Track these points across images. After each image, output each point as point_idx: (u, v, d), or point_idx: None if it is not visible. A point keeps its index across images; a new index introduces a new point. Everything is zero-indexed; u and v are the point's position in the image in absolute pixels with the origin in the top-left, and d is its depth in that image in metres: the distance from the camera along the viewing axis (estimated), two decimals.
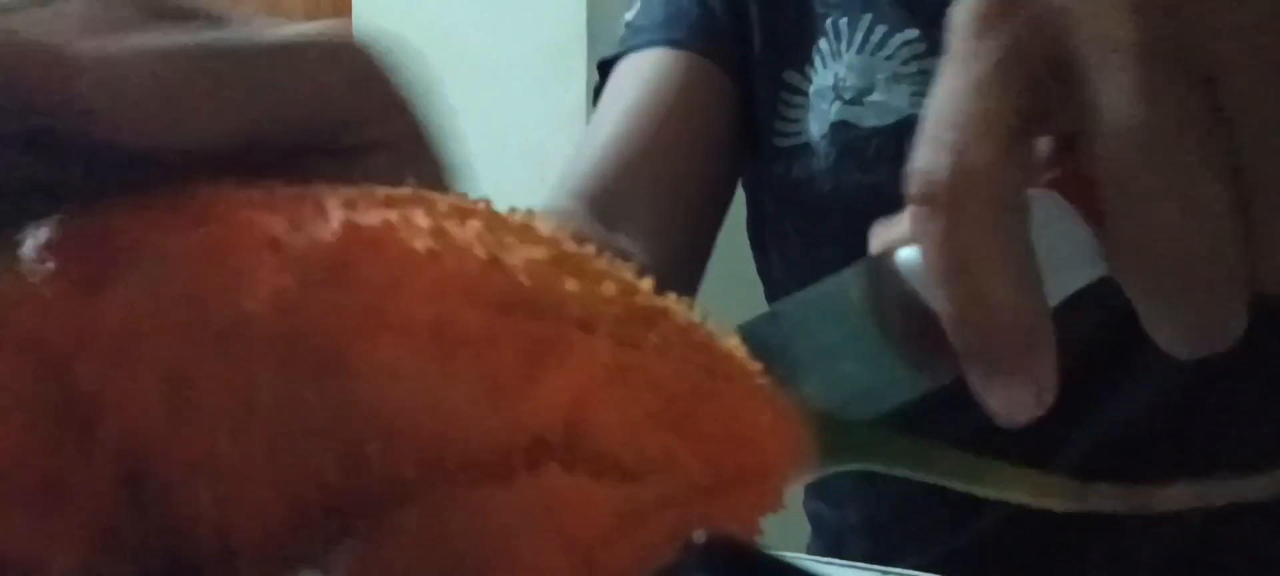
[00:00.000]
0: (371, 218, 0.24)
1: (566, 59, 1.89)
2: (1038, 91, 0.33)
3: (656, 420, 0.25)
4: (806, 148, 0.77)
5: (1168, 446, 0.69)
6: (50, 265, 0.24)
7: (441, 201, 0.26)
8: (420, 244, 0.24)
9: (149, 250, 0.24)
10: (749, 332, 0.29)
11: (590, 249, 0.26)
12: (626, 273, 0.27)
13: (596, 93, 0.84)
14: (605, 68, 0.83)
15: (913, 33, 0.74)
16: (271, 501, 0.23)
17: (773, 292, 0.82)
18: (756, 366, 0.27)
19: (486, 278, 0.24)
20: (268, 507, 0.23)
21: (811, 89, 0.77)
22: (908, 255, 0.34)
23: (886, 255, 0.35)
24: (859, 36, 0.76)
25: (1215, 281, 0.31)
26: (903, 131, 0.73)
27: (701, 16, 0.79)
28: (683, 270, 0.78)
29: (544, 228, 0.26)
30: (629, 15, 0.83)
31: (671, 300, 0.27)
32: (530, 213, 0.27)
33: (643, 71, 0.79)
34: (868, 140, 0.74)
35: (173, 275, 0.24)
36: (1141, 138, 0.31)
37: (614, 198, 0.75)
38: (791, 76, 0.78)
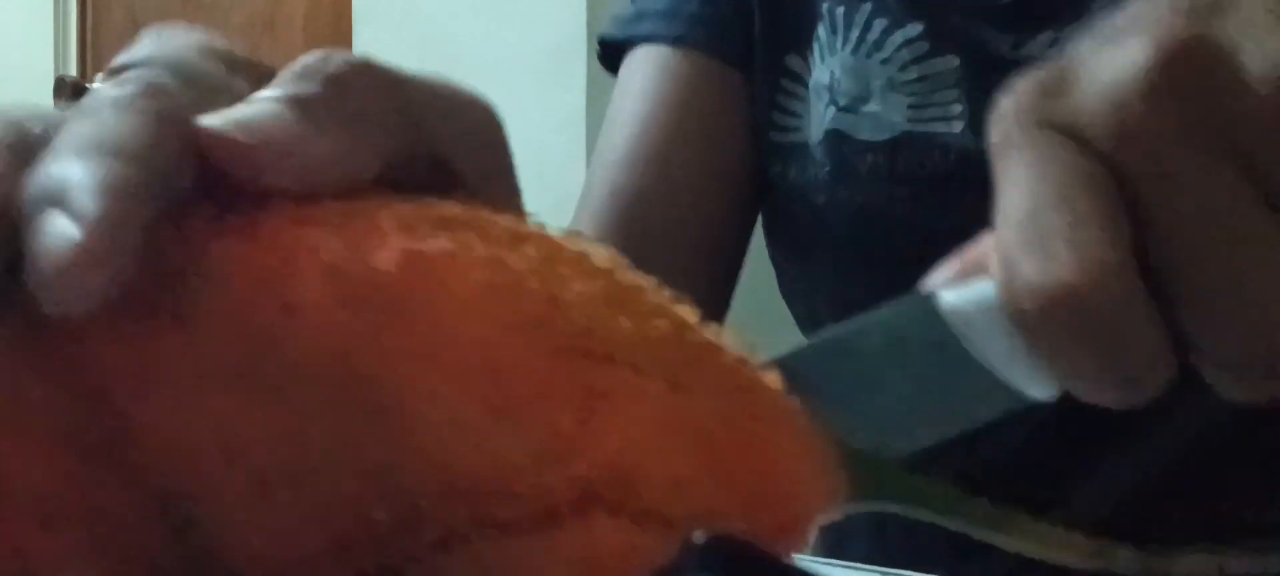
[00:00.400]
0: (430, 244, 0.24)
1: (566, 59, 1.89)
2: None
3: (703, 473, 0.24)
4: (804, 148, 0.72)
5: (1186, 498, 0.67)
6: None
7: (496, 225, 0.25)
8: (478, 276, 0.24)
9: (204, 275, 0.23)
10: (790, 363, 0.29)
11: (642, 281, 0.26)
12: (677, 306, 0.26)
13: (604, 59, 0.80)
14: (609, 48, 0.79)
15: (915, 28, 0.69)
16: (319, 543, 0.23)
17: (782, 282, 0.79)
18: (795, 405, 0.26)
19: (544, 318, 0.24)
20: (314, 549, 0.23)
21: (810, 81, 0.72)
22: (955, 301, 0.34)
23: (931, 296, 0.34)
24: (855, 33, 0.71)
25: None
26: (897, 150, 0.68)
27: (706, 3, 0.75)
28: (712, 288, 0.76)
29: (598, 257, 0.26)
30: None
31: (718, 333, 0.26)
32: (581, 237, 0.26)
33: (650, 82, 0.75)
34: (862, 155, 0.69)
35: (228, 307, 0.23)
36: (1210, 234, 0.32)
37: (634, 226, 0.72)
38: (793, 61, 0.73)
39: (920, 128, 0.68)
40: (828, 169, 0.70)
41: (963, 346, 0.33)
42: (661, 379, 0.24)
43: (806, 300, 0.76)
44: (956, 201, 0.63)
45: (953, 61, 0.68)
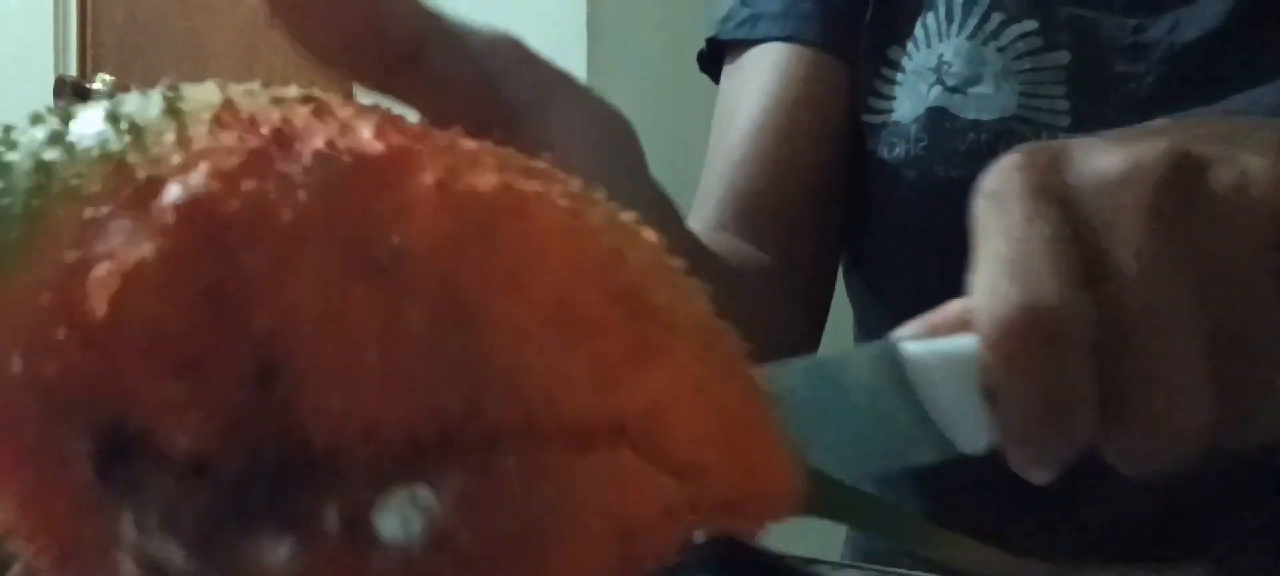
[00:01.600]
0: (521, 183, 0.27)
1: (566, 59, 1.89)
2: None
3: (716, 436, 0.28)
4: (894, 126, 0.74)
5: (1162, 533, 0.68)
6: (226, 134, 0.26)
7: (572, 183, 0.28)
8: (558, 218, 0.27)
9: (333, 162, 0.26)
10: (780, 375, 0.32)
11: (680, 264, 0.29)
12: (700, 293, 0.29)
13: (704, 63, 0.82)
14: (717, 48, 0.82)
15: (1031, 24, 0.71)
16: (393, 422, 0.25)
17: (852, 262, 0.80)
18: (774, 406, 0.29)
19: (609, 267, 0.27)
20: (388, 427, 0.25)
21: (909, 66, 0.74)
22: (916, 351, 0.38)
23: (897, 344, 0.39)
24: (972, 21, 0.73)
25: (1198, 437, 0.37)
26: (1004, 131, 0.70)
27: (819, 0, 0.77)
28: (822, 274, 0.78)
29: (648, 233, 0.29)
30: None
31: (726, 325, 0.30)
32: (638, 218, 0.29)
33: (767, 79, 0.77)
34: (964, 133, 0.71)
35: (346, 188, 0.26)
36: (1157, 337, 0.37)
37: (753, 224, 0.74)
38: (893, 52, 0.76)
39: (1029, 114, 0.70)
40: (924, 144, 0.72)
41: (914, 392, 0.38)
42: (694, 347, 0.28)
43: (874, 280, 0.79)
44: None
45: (1063, 57, 0.70)
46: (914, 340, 0.39)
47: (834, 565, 0.67)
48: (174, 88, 0.28)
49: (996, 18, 0.72)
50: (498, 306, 0.26)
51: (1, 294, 0.26)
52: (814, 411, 0.37)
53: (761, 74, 0.78)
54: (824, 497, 0.32)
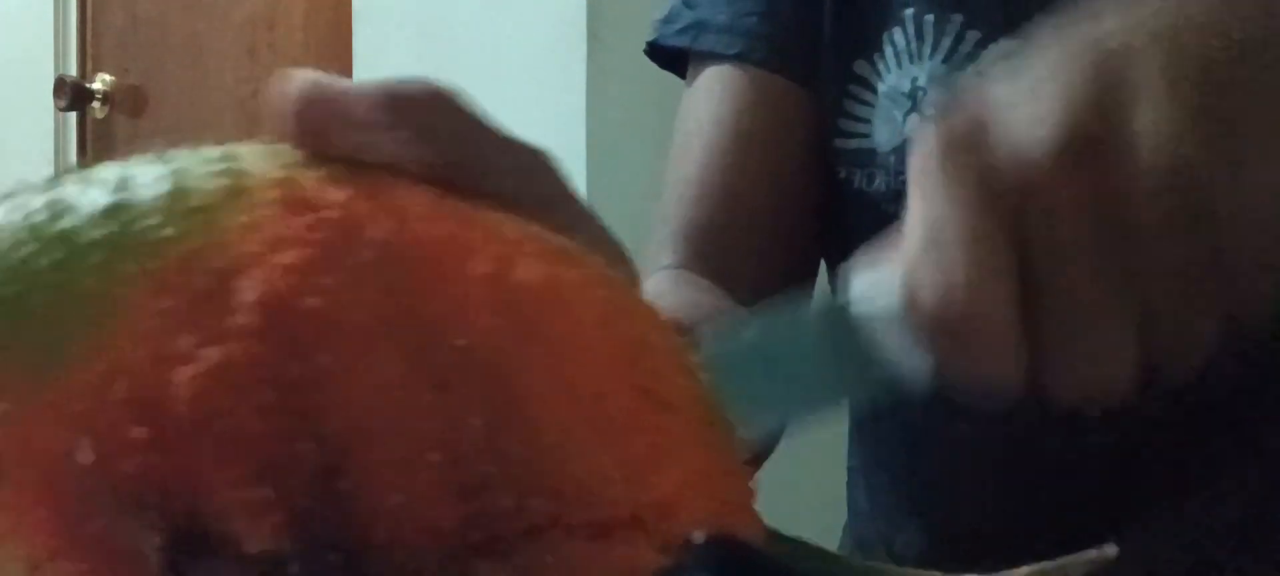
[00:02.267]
0: (564, 272, 0.28)
1: (566, 59, 1.89)
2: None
3: (709, 519, 0.29)
4: (872, 155, 0.70)
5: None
6: (295, 220, 0.27)
7: (600, 262, 0.30)
8: (598, 311, 0.28)
9: (395, 257, 0.27)
10: (720, 343, 0.33)
11: (684, 341, 0.31)
12: (701, 370, 0.31)
13: (657, 60, 0.80)
14: (661, 51, 0.79)
15: (1011, 45, 0.66)
16: (448, 519, 0.26)
17: (834, 283, 0.79)
18: (748, 473, 0.31)
19: (639, 361, 0.29)
20: (443, 524, 0.26)
21: (882, 88, 0.70)
22: (865, 301, 0.40)
23: (848, 299, 0.40)
24: (947, 41, 0.68)
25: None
26: None
27: (766, 16, 0.73)
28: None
29: (663, 315, 0.30)
30: None
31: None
32: (655, 300, 0.31)
33: (717, 106, 0.74)
34: None
35: (408, 286, 0.27)
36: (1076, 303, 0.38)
37: (711, 259, 0.72)
38: (861, 67, 0.71)
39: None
40: (903, 177, 0.67)
41: (857, 333, 0.39)
42: (703, 434, 0.29)
43: None
44: None
45: None
46: (860, 276, 0.40)
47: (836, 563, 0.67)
48: (232, 155, 0.28)
49: (972, 37, 0.68)
50: (544, 406, 0.27)
51: (68, 376, 0.25)
52: (763, 367, 0.38)
53: (711, 100, 0.74)
54: (781, 553, 0.34)
